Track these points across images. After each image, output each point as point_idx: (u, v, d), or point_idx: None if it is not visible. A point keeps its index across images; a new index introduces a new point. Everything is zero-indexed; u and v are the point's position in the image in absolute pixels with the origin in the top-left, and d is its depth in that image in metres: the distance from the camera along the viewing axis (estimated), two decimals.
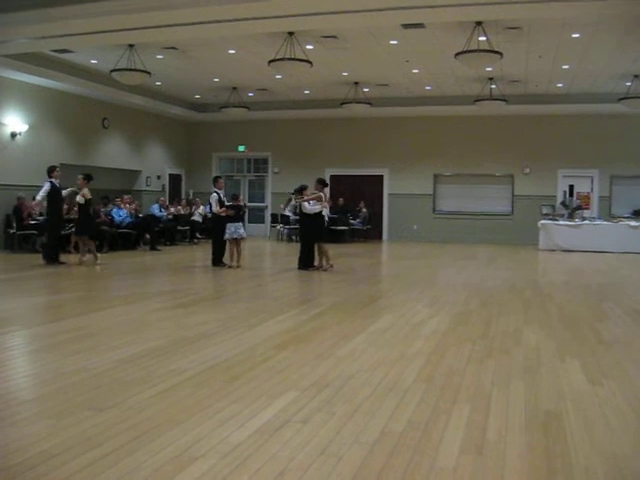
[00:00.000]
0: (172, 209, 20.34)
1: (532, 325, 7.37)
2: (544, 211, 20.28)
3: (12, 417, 3.99)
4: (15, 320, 7.57)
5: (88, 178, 13.21)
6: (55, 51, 15.01)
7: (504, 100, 18.15)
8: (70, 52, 15.23)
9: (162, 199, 20.35)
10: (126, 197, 18.50)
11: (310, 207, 12.71)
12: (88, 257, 13.29)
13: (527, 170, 21.80)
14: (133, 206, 18.50)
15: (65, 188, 13.44)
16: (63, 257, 13.43)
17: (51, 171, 13.26)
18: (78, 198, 12.99)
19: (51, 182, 13.03)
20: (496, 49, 12.85)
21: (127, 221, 17.61)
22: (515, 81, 18.18)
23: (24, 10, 11.25)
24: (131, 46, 14.47)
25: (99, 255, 13.51)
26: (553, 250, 18.57)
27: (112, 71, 14.93)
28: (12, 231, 16.05)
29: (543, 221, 19.39)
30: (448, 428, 3.86)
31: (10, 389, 4.65)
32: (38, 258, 14.10)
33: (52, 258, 13.06)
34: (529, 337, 6.67)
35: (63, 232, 14.13)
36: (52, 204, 13.16)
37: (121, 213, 17.59)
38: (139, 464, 3.28)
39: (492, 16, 11.50)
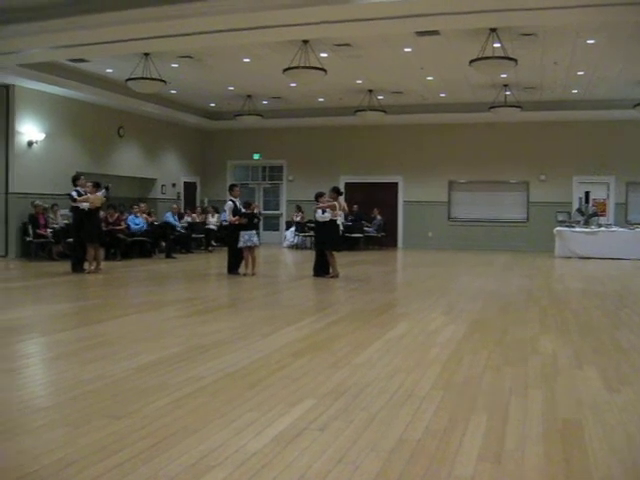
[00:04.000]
0: (187, 217, 20.42)
1: (549, 333, 7.32)
2: (560, 218, 20.21)
3: (29, 424, 4.01)
4: (33, 327, 7.61)
5: (97, 186, 13.25)
6: (71, 60, 15.11)
7: (519, 107, 18.09)
8: (86, 61, 15.33)
9: (174, 207, 20.38)
10: (141, 205, 18.57)
11: (320, 215, 12.75)
12: (91, 264, 13.26)
13: (542, 177, 21.71)
14: (151, 218, 18.59)
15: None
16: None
17: (76, 179, 13.39)
18: (84, 205, 13.01)
19: (77, 191, 13.12)
20: (511, 56, 12.83)
21: (143, 229, 17.70)
22: (530, 88, 18.13)
23: (40, 20, 11.34)
24: (146, 55, 14.55)
25: (102, 266, 13.55)
26: (569, 257, 18.47)
27: (128, 80, 15.02)
28: (28, 239, 16.16)
29: (559, 228, 19.29)
30: (466, 436, 3.84)
31: (27, 396, 4.66)
32: (54, 266, 14.25)
33: (78, 266, 13.13)
34: (546, 345, 6.62)
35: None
36: (77, 213, 13.21)
37: (137, 221, 17.66)
38: (155, 472, 3.28)
39: (507, 23, 11.47)
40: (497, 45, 12.55)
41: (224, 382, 5.02)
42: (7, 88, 16.27)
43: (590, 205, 20.74)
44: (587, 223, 19.45)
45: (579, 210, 20.29)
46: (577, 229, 19.09)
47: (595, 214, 20.11)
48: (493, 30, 12.26)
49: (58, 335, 7.10)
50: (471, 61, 12.88)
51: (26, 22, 11.46)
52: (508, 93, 18.16)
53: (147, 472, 3.28)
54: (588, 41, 13.31)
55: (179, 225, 19.40)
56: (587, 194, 21.14)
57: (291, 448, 3.62)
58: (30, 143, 16.78)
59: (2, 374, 5.19)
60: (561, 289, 12.10)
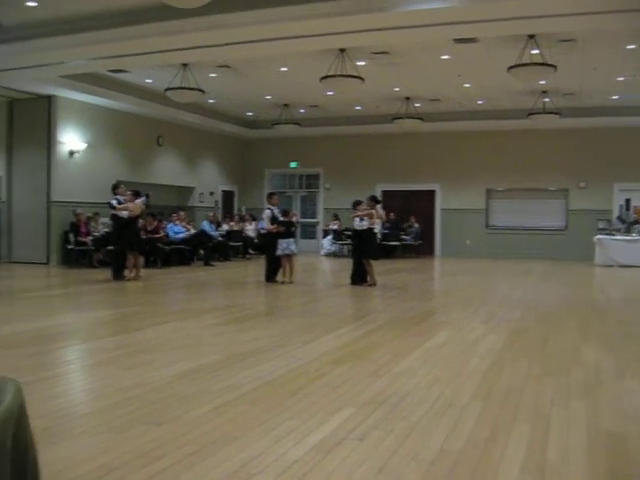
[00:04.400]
0: (225, 225, 20.54)
1: (590, 342, 7.21)
2: (600, 226, 19.89)
3: (71, 430, 4.05)
4: (73, 334, 7.73)
5: (137, 194, 13.42)
6: (111, 71, 15.32)
7: (558, 113, 17.90)
8: (126, 72, 15.54)
9: (210, 215, 20.42)
10: (181, 213, 18.74)
11: (358, 224, 12.73)
12: (131, 271, 13.42)
13: (582, 184, 21.43)
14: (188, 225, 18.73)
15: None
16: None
17: (116, 188, 13.59)
18: (124, 213, 13.18)
19: (117, 199, 13.29)
20: (549, 62, 12.70)
21: (182, 237, 17.85)
22: (569, 94, 17.94)
23: (81, 32, 11.53)
24: (185, 65, 14.71)
25: (142, 273, 13.72)
26: (610, 266, 18.17)
27: (166, 90, 15.20)
28: (70, 247, 16.41)
29: (599, 236, 19.00)
30: (508, 447, 3.79)
31: (69, 403, 4.72)
32: (94, 273, 14.44)
33: (118, 274, 13.29)
34: (588, 355, 6.52)
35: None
36: (117, 221, 13.38)
37: (176, 229, 17.82)
38: (197, 479, 3.30)
39: (545, 29, 11.37)
40: (535, 51, 12.45)
41: (263, 390, 5.03)
42: (49, 99, 16.56)
43: (631, 212, 20.38)
44: (628, 231, 19.13)
45: (620, 218, 19.97)
46: (618, 237, 18.78)
47: (636, 222, 19.74)
48: (531, 37, 12.17)
49: (98, 342, 7.19)
50: (509, 68, 12.79)
51: (67, 34, 11.66)
52: (547, 100, 17.99)
53: (189, 479, 3.29)
54: (628, 46, 13.13)
55: (216, 234, 19.46)
56: (628, 201, 20.73)
57: (331, 457, 3.61)
58: (71, 153, 17.04)
59: (44, 381, 5.25)
60: (602, 298, 11.93)
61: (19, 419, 1.38)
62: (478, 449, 3.76)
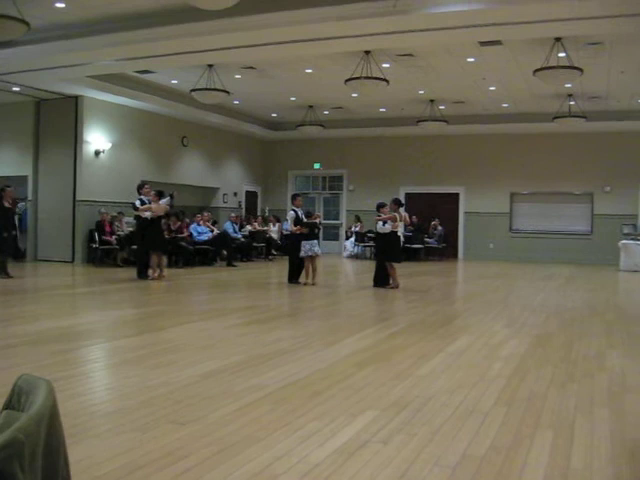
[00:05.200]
0: (248, 226, 20.59)
1: (615, 348, 7.15)
2: (625, 230, 19.72)
3: (96, 429, 4.08)
4: (98, 333, 7.78)
5: (160, 194, 13.48)
6: (137, 72, 15.44)
7: (584, 117, 17.76)
8: (152, 73, 15.64)
9: (233, 216, 20.39)
10: (205, 214, 18.81)
11: (381, 227, 12.71)
12: (155, 271, 13.47)
13: (607, 188, 21.24)
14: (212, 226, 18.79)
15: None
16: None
17: (140, 188, 13.67)
18: (147, 214, 13.25)
19: (140, 199, 13.38)
20: (576, 65, 12.62)
21: (207, 238, 17.93)
22: (595, 97, 17.80)
23: (109, 33, 11.65)
24: (210, 66, 14.79)
25: (166, 273, 13.78)
26: (635, 271, 18.00)
27: (192, 91, 15.29)
28: (94, 246, 16.54)
29: (624, 241, 18.84)
30: (531, 454, 3.76)
31: (94, 401, 4.76)
32: (119, 272, 14.55)
33: (142, 273, 13.38)
34: (613, 361, 6.47)
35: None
36: (141, 221, 13.46)
37: (200, 229, 17.90)
38: (222, 479, 3.32)
39: (571, 32, 11.30)
40: (562, 54, 12.36)
41: (287, 391, 5.04)
42: (76, 99, 16.75)
43: None
44: None
45: None
46: None
47: None
48: (558, 39, 12.09)
49: (123, 341, 7.23)
50: (535, 71, 12.71)
51: (94, 35, 11.78)
52: (572, 103, 17.85)
53: (213, 479, 3.31)
54: None
55: (239, 234, 19.51)
56: None
57: (354, 460, 3.61)
58: (97, 152, 17.20)
59: (69, 379, 5.29)
60: (627, 303, 11.83)
61: (51, 419, 1.40)
62: (501, 455, 3.74)
